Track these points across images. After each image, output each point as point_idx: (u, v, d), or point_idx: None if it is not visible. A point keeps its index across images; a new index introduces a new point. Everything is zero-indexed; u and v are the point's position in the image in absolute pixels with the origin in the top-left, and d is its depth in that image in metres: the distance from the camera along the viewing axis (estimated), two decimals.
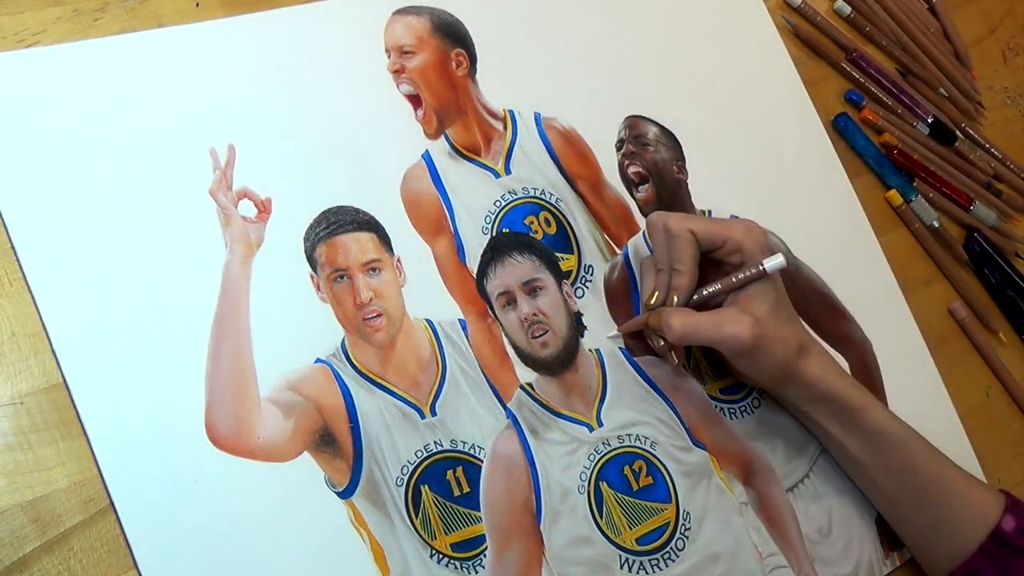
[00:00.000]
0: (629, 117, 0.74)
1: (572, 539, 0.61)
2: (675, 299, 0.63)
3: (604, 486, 0.62)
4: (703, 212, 0.74)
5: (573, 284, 0.68)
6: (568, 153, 0.71)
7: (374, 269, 0.61)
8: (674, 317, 0.61)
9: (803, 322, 0.68)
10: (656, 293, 0.64)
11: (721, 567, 0.64)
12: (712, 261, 0.65)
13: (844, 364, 0.76)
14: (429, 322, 0.62)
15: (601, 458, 0.63)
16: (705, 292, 0.64)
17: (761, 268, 0.63)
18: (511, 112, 0.70)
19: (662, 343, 0.64)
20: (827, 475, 0.71)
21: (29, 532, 0.50)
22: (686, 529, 0.64)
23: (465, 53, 0.69)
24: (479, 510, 0.59)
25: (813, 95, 0.85)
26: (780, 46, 0.85)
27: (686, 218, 0.64)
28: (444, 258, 0.64)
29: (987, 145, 0.96)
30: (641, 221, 0.72)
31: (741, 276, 0.63)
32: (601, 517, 0.62)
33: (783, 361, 0.64)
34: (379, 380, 0.59)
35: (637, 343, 0.67)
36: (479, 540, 0.59)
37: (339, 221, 0.61)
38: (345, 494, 0.56)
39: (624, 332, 0.67)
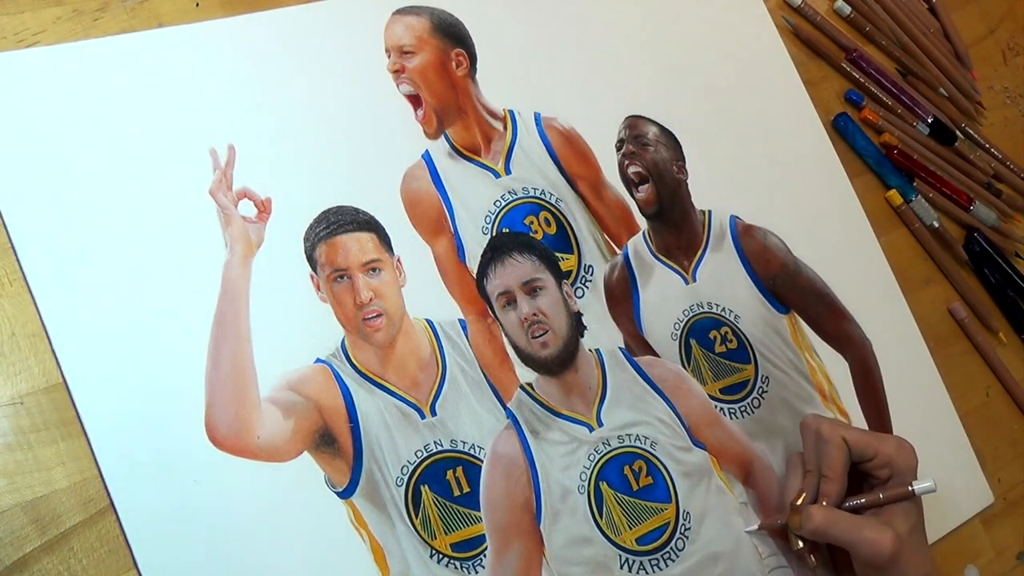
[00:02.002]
0: (629, 117, 0.74)
1: (572, 539, 0.61)
2: (823, 504, 0.62)
3: (604, 486, 0.62)
4: (703, 212, 0.74)
5: (573, 284, 0.68)
6: (568, 153, 0.71)
7: (374, 269, 0.61)
8: (816, 509, 0.61)
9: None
10: (804, 495, 0.63)
11: (721, 567, 0.64)
12: (857, 470, 0.64)
13: (844, 365, 0.76)
14: (429, 322, 0.62)
15: (601, 458, 0.63)
16: (849, 504, 0.63)
17: (910, 489, 0.62)
18: (511, 112, 0.70)
19: (801, 544, 0.63)
20: None
21: (29, 532, 0.50)
22: (686, 529, 0.64)
23: (465, 53, 0.69)
24: (479, 510, 0.59)
25: (813, 95, 0.85)
26: (780, 46, 0.85)
27: (839, 425, 0.64)
28: (444, 258, 0.64)
29: (987, 145, 0.96)
30: (641, 221, 0.72)
31: (890, 493, 0.63)
32: (601, 517, 0.62)
33: None
34: (379, 380, 0.59)
35: (780, 537, 0.67)
36: (479, 540, 0.59)
37: (339, 221, 0.61)
38: (345, 494, 0.56)
39: (766, 528, 0.66)
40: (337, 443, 0.57)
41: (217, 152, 0.59)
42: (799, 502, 0.63)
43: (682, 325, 0.70)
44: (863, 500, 0.63)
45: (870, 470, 0.64)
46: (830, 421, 0.65)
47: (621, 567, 0.61)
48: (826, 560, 0.66)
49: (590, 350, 0.66)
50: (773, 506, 0.68)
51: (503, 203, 0.67)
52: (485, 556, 0.58)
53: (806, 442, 0.65)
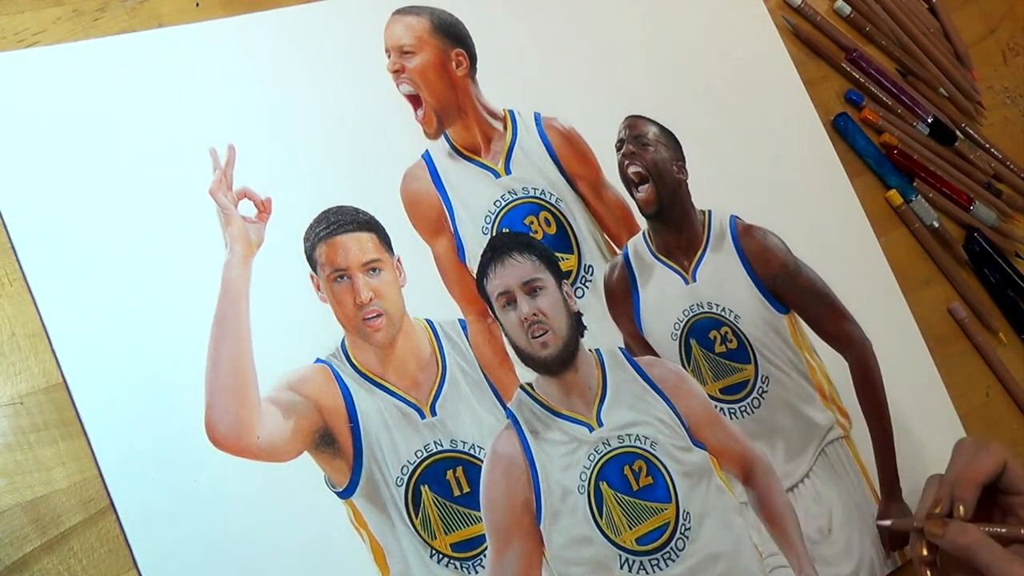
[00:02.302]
0: (629, 117, 0.74)
1: (572, 539, 0.61)
2: (961, 510, 0.61)
3: (604, 486, 0.62)
4: (703, 212, 0.74)
5: (573, 284, 0.68)
6: (568, 153, 0.71)
7: (374, 269, 0.61)
8: (973, 527, 0.59)
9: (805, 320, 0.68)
10: (941, 503, 0.61)
11: (721, 567, 0.64)
12: (990, 499, 0.63)
13: (844, 365, 0.76)
14: (429, 322, 0.62)
15: (601, 458, 0.63)
16: (990, 529, 0.61)
17: None
18: (511, 112, 0.70)
19: (926, 553, 0.62)
20: (827, 475, 0.71)
21: (29, 532, 0.50)
22: (686, 529, 0.64)
23: (465, 53, 0.69)
24: (479, 510, 0.59)
25: (813, 95, 0.85)
26: (780, 46, 0.85)
27: (1007, 450, 0.63)
28: (444, 258, 0.64)
29: (987, 145, 0.96)
30: (641, 221, 0.72)
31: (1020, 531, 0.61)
32: (601, 517, 0.62)
33: None
34: (379, 380, 0.59)
35: (892, 539, 0.67)
36: (479, 540, 0.59)
37: (339, 221, 0.61)
38: (345, 494, 0.56)
39: (896, 529, 0.65)
40: (337, 443, 0.57)
41: (217, 152, 0.59)
42: (938, 509, 0.61)
43: (682, 325, 0.70)
44: (1003, 530, 0.61)
45: (1012, 505, 0.62)
46: (999, 444, 0.63)
47: (621, 567, 0.61)
48: None
49: (590, 350, 0.66)
50: (773, 506, 0.68)
51: (503, 203, 0.67)
52: (485, 556, 0.58)
53: (958, 454, 0.63)
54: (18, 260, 0.53)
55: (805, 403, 0.73)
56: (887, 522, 0.66)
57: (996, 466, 0.62)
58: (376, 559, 0.56)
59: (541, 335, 0.64)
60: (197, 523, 0.52)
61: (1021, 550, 0.61)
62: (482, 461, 0.60)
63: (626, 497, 0.63)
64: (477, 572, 0.58)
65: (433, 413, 0.60)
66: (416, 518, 0.57)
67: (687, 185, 0.75)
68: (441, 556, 0.57)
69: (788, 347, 0.74)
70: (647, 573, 0.62)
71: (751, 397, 0.71)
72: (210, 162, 0.59)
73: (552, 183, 0.69)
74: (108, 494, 0.51)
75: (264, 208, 0.59)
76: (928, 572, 0.62)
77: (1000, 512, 0.64)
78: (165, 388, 0.54)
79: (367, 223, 0.62)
